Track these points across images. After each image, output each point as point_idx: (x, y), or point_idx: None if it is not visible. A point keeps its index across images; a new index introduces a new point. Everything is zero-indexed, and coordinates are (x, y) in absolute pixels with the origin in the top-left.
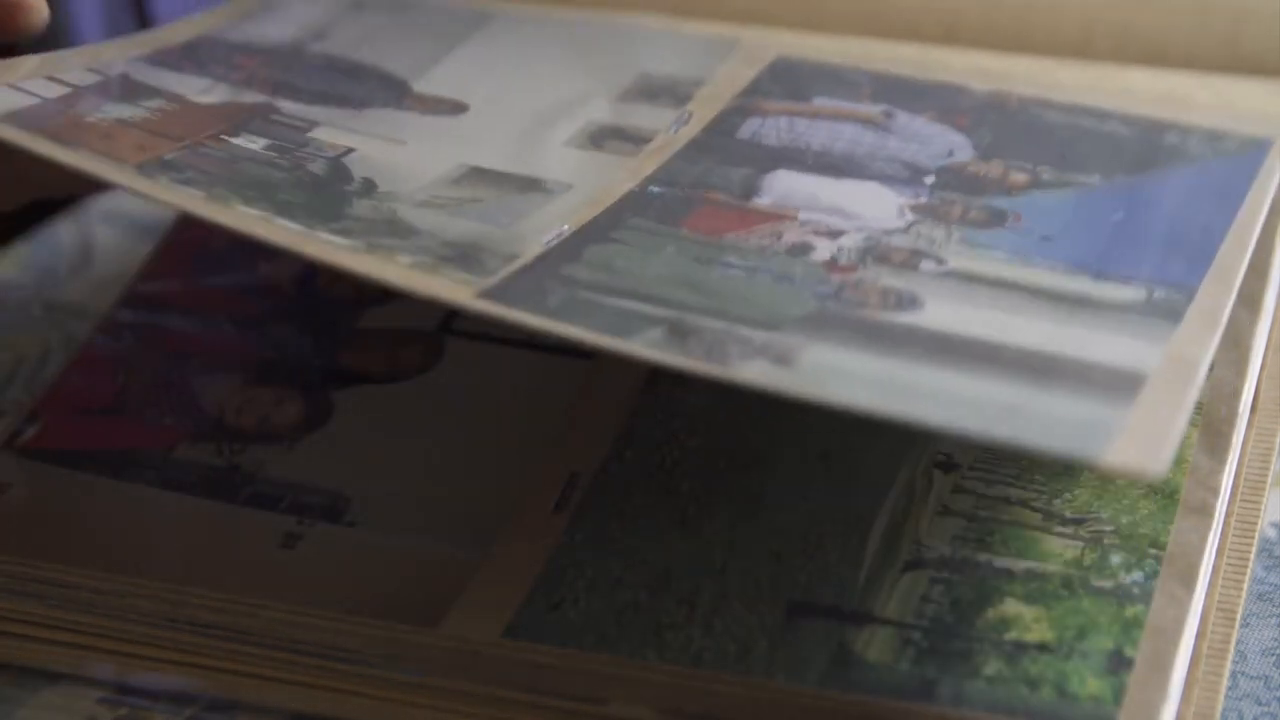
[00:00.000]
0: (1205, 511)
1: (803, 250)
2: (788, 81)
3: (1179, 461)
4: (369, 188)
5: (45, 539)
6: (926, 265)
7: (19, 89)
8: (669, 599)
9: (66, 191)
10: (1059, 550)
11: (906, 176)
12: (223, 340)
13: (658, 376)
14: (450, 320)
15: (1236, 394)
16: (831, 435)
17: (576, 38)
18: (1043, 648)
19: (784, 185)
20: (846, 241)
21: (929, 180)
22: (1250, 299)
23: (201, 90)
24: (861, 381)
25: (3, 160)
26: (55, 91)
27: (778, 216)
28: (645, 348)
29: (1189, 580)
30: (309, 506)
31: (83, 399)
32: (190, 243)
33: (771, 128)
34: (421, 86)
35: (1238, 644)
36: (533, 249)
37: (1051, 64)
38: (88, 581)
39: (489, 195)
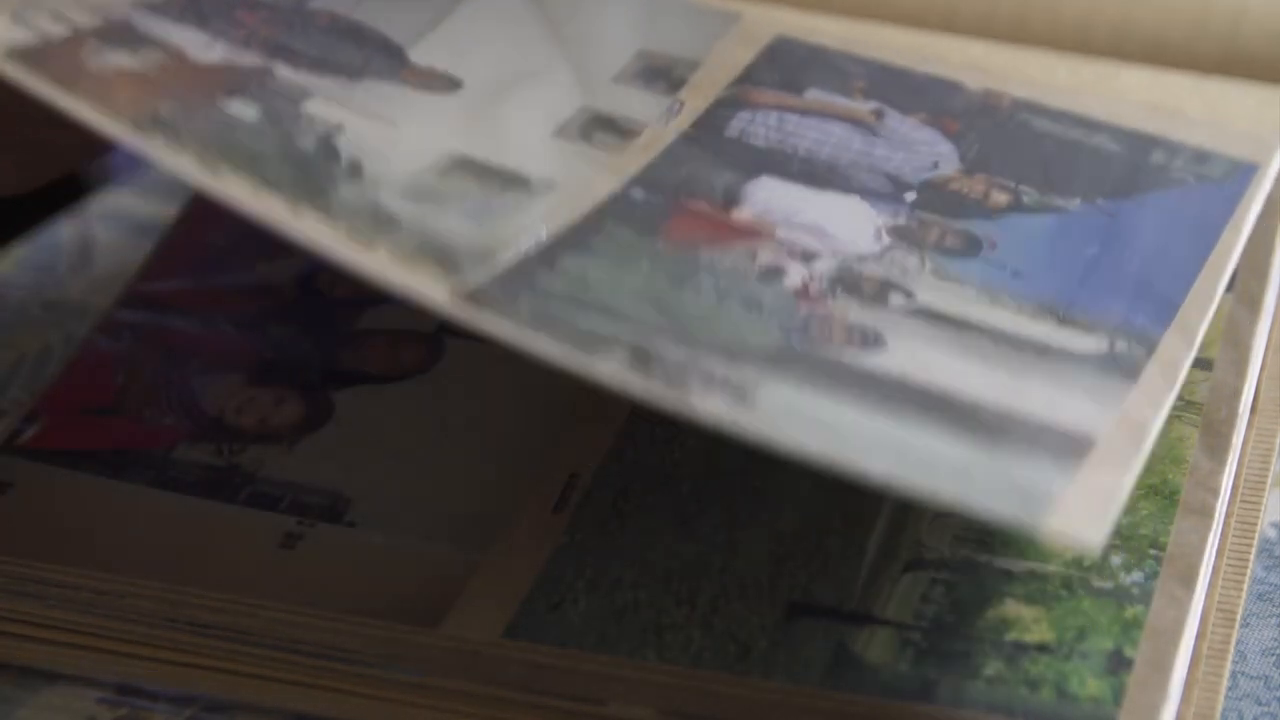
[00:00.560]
0: (1205, 512)
1: (776, 275)
2: (784, 68)
3: (1179, 461)
4: (355, 170)
5: (45, 539)
6: (895, 300)
7: (22, 22)
8: (669, 599)
9: (80, 162)
10: (1059, 551)
11: (889, 191)
12: (223, 340)
13: None
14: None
15: (1236, 394)
16: None
17: (579, 3)
18: (1042, 648)
19: (766, 195)
20: (820, 266)
21: (910, 197)
22: (1250, 299)
23: (201, 46)
24: (815, 425)
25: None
26: (57, 29)
27: (756, 233)
28: (609, 372)
29: (1189, 581)
30: (309, 506)
31: (82, 399)
32: (190, 243)
33: (761, 124)
34: (418, 56)
35: (1238, 644)
36: (510, 253)
37: (1051, 59)
38: (88, 581)
39: (472, 190)
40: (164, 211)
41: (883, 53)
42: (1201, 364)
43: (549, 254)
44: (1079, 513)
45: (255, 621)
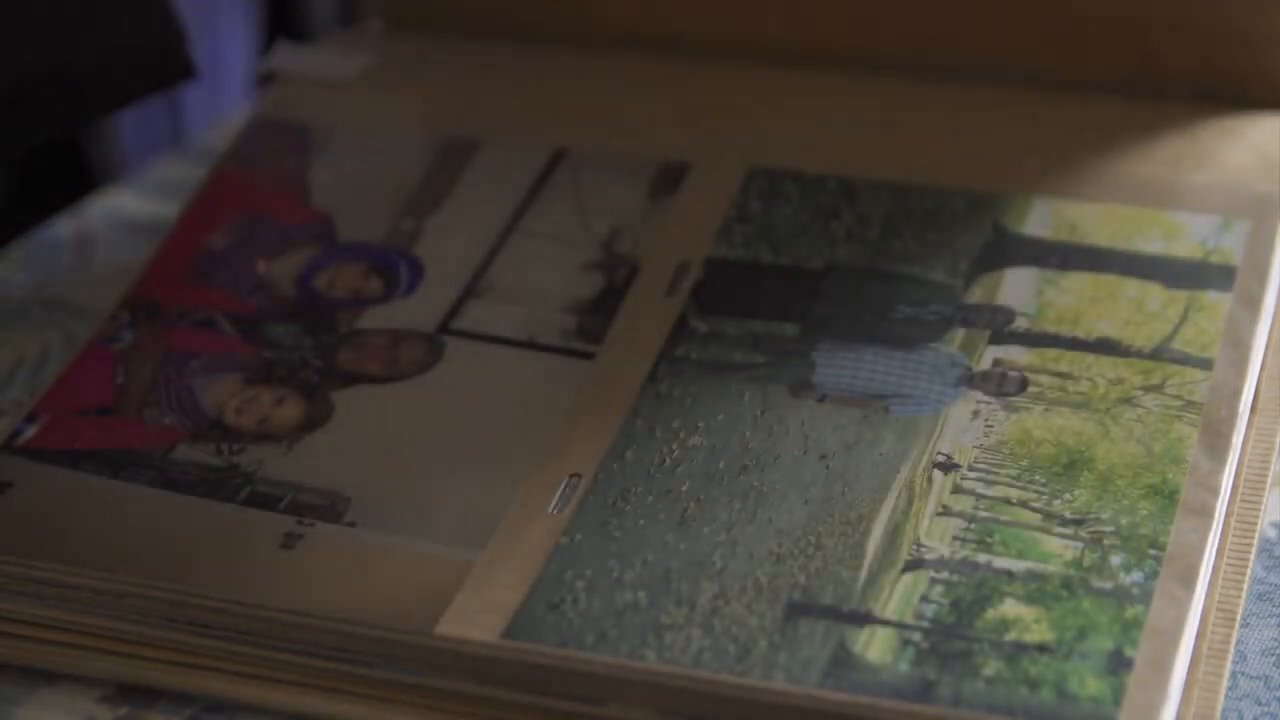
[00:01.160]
0: (1205, 512)
1: None
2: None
3: (1179, 461)
4: None
5: (45, 539)
6: None
7: None
8: (669, 599)
9: None
10: (1059, 551)
11: None
12: (223, 340)
13: (658, 376)
14: (450, 320)
15: (1236, 394)
16: (831, 435)
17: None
18: (1042, 648)
19: None
20: None
21: None
22: (1250, 299)
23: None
24: None
25: None
26: None
27: None
28: None
29: (1189, 581)
30: (308, 506)
31: (82, 399)
32: (190, 243)
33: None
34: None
35: (1238, 644)
36: None
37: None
38: (88, 581)
39: None
40: (164, 211)
41: None
42: (1201, 364)
43: None
44: None
45: (255, 621)
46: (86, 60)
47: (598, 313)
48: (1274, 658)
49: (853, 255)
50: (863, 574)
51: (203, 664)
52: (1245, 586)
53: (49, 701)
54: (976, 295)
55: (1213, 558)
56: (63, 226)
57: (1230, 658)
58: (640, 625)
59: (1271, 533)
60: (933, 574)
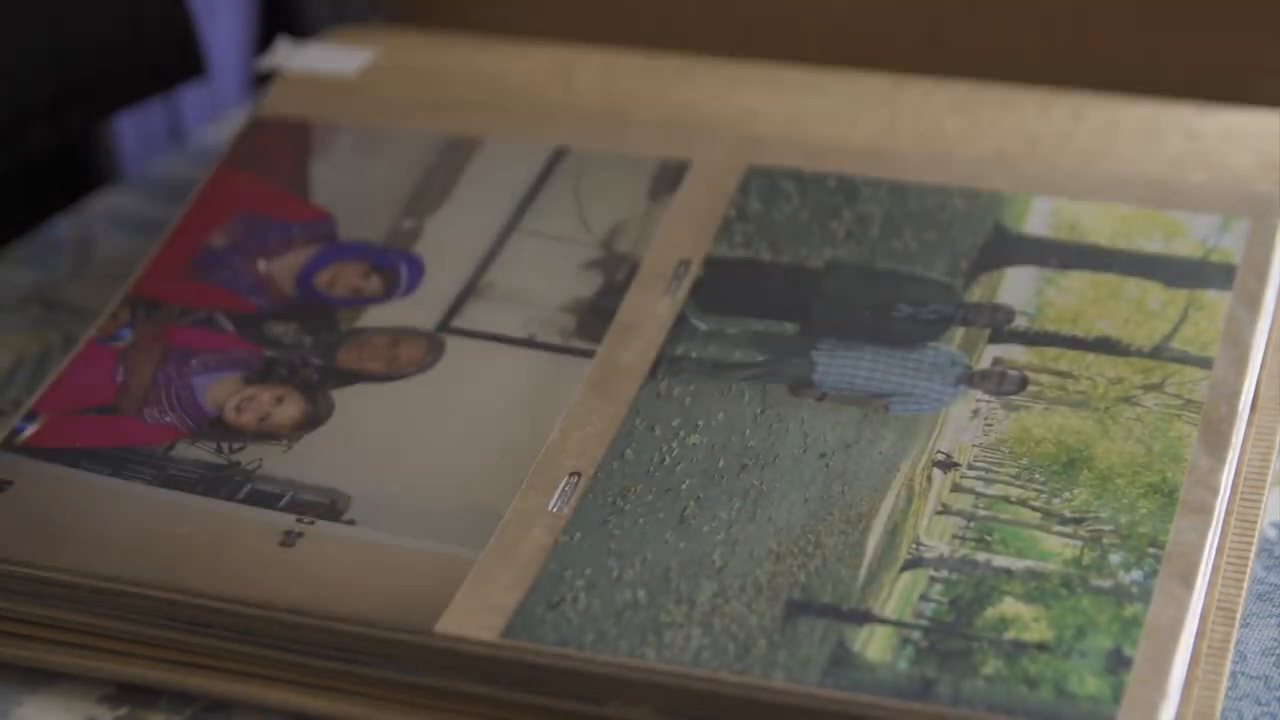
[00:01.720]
0: (1205, 511)
1: None
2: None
3: (1178, 460)
4: None
5: (45, 537)
6: None
7: None
8: (668, 597)
9: None
10: (1058, 550)
11: None
12: (223, 339)
13: (658, 375)
14: (450, 319)
15: (1236, 394)
16: (831, 434)
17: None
18: (1042, 647)
19: None
20: None
21: None
22: (1250, 298)
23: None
24: None
25: None
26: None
27: None
28: None
29: (1189, 580)
30: (308, 505)
31: (82, 398)
32: (190, 243)
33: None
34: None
35: (1238, 644)
36: None
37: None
38: (87, 581)
39: None
40: (164, 211)
41: None
42: (1201, 363)
43: None
44: None
45: (255, 621)
46: (99, 58)
47: (597, 312)
48: (1274, 658)
49: (853, 254)
50: (862, 572)
51: (203, 663)
52: (1245, 586)
53: (49, 701)
54: (976, 294)
55: (1212, 557)
56: (63, 226)
57: (1230, 657)
58: (640, 624)
59: (1271, 532)
60: (932, 572)
